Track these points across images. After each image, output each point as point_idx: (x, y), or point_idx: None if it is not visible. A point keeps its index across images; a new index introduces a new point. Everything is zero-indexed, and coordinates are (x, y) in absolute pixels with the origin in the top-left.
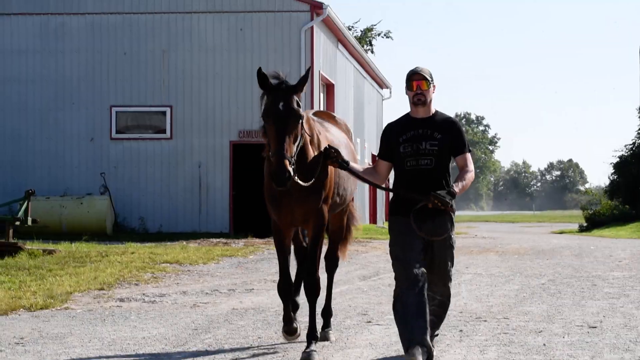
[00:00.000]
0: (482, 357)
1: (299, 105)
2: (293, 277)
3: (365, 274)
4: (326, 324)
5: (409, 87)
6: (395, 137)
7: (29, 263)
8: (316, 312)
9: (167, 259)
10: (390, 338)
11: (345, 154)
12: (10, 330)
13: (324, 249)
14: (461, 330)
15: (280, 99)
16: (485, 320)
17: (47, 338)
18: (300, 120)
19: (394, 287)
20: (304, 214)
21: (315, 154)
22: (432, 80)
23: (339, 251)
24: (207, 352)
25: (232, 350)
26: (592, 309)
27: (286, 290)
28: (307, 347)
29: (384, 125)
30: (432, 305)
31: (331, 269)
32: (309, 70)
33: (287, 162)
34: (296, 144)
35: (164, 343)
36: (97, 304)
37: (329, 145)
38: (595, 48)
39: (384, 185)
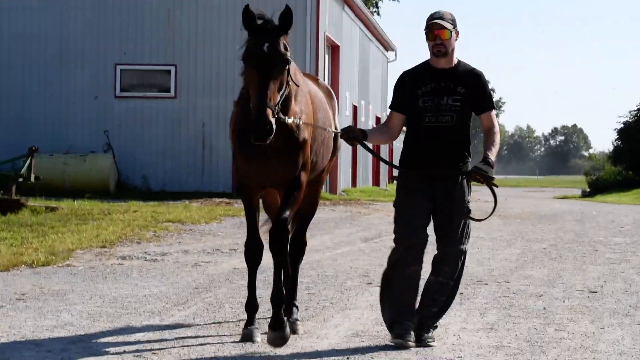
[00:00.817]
0: (482, 320)
1: (286, 48)
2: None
3: (367, 236)
4: (289, 313)
5: (428, 36)
6: (413, 88)
7: (31, 220)
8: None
9: (169, 217)
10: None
11: (321, 118)
12: (12, 286)
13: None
14: (461, 293)
15: (265, 40)
16: (486, 284)
17: (48, 294)
18: (287, 66)
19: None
20: (279, 176)
21: (297, 109)
22: (454, 27)
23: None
24: (207, 311)
25: (232, 309)
26: (593, 274)
27: (254, 253)
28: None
29: (389, 88)
30: (436, 294)
31: (297, 256)
32: (289, 10)
33: (269, 112)
34: (281, 92)
35: (164, 301)
36: (98, 262)
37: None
38: (604, 20)
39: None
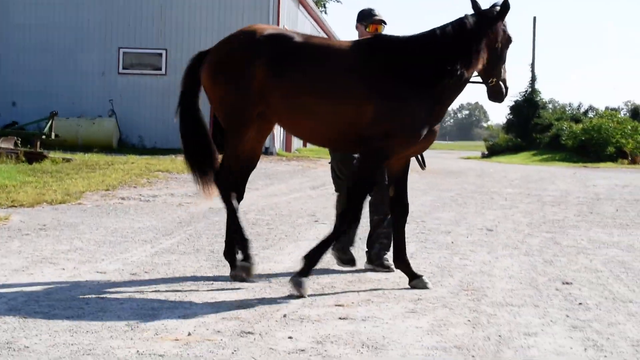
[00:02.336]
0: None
1: None
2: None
3: (314, 185)
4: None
5: (366, 27)
6: None
7: (51, 168)
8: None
9: (159, 168)
10: None
11: None
12: (35, 219)
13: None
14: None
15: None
16: (407, 223)
17: (64, 226)
18: None
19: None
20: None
21: None
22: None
23: None
24: (188, 240)
25: (208, 239)
26: (489, 217)
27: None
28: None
29: None
30: (384, 228)
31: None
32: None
33: None
34: None
35: (154, 232)
36: (103, 201)
37: None
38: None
39: None
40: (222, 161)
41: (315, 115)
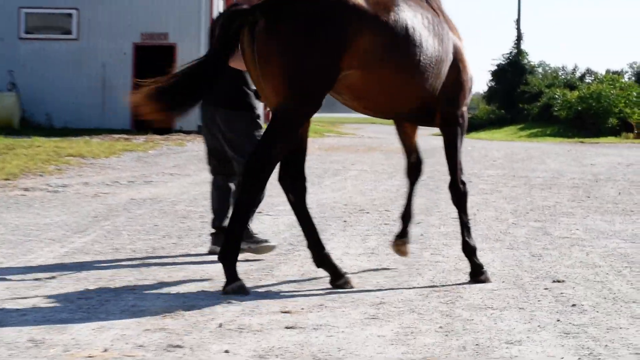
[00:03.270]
0: (364, 245)
1: None
2: None
3: None
4: None
5: None
6: None
7: None
8: None
9: (71, 152)
10: (278, 227)
11: None
12: None
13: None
14: (345, 221)
15: None
16: (367, 212)
17: None
18: None
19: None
20: None
21: None
22: None
23: None
24: (105, 238)
25: (129, 236)
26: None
27: None
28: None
29: None
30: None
31: None
32: None
33: None
34: None
35: (65, 229)
36: (2, 193)
37: None
38: None
39: None
40: (269, 142)
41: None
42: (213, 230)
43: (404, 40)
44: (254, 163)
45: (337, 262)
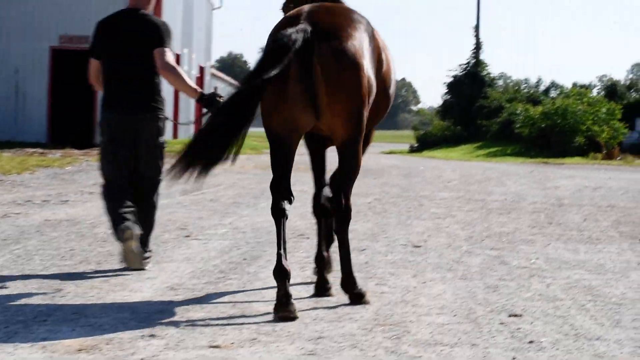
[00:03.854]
0: (302, 274)
1: None
2: None
3: (186, 188)
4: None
5: None
6: None
7: None
8: None
9: None
10: (208, 253)
11: None
12: None
13: None
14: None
15: None
16: (308, 238)
17: None
18: None
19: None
20: None
21: None
22: None
23: None
24: (15, 263)
25: (42, 261)
26: (417, 229)
27: None
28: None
29: (214, 36)
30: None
31: None
32: None
33: None
34: None
35: None
36: None
37: None
38: None
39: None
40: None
41: None
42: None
43: None
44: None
45: (271, 292)
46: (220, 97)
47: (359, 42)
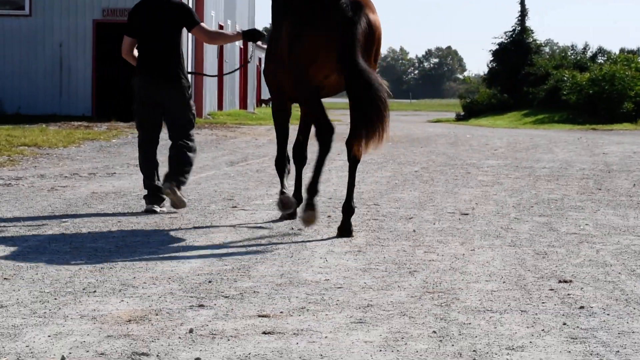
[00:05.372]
0: (350, 243)
1: None
2: None
3: (232, 160)
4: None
5: None
6: None
7: None
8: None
9: (25, 141)
10: (255, 223)
11: None
12: None
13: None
14: (329, 216)
15: None
16: (355, 207)
17: None
18: None
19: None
20: None
21: None
22: None
23: None
24: (64, 236)
25: (90, 233)
26: (464, 197)
27: None
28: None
29: (257, 6)
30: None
31: None
32: None
33: None
34: None
35: (18, 226)
36: None
37: None
38: None
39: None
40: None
41: None
42: (146, 192)
43: None
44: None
45: (320, 261)
46: (259, 30)
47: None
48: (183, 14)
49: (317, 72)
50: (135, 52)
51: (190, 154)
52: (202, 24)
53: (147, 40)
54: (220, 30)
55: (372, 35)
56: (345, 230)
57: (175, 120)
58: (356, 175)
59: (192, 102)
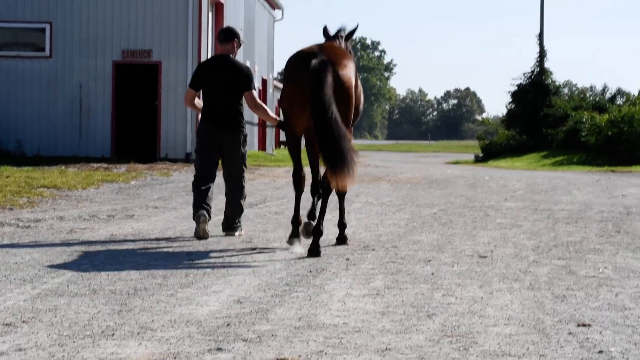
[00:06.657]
0: (368, 286)
1: None
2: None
3: (251, 202)
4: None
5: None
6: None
7: None
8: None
9: (44, 183)
10: (274, 265)
11: None
12: None
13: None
14: (348, 259)
15: None
16: (373, 249)
17: None
18: None
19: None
20: None
21: None
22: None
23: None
24: (82, 278)
25: (108, 275)
26: (483, 239)
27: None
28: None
29: (276, 48)
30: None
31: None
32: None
33: None
34: None
35: (37, 268)
36: None
37: None
38: None
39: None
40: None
41: None
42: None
43: None
44: None
45: (338, 304)
46: None
47: (352, 70)
48: (245, 78)
49: (296, 121)
50: (198, 102)
51: (241, 201)
52: (254, 91)
53: (213, 94)
54: (265, 106)
55: (342, 87)
56: (342, 239)
57: (232, 163)
58: (345, 206)
59: (246, 148)
